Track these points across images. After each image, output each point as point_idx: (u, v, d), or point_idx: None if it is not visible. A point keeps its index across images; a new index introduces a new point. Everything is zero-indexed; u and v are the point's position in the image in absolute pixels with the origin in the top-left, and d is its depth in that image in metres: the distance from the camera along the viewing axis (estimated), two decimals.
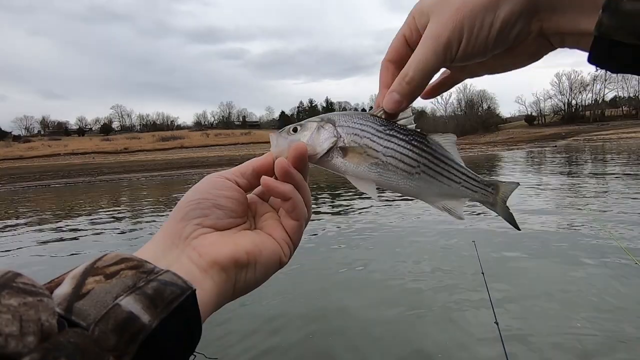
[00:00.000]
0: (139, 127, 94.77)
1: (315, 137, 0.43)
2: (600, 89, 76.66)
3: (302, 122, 0.44)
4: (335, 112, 0.44)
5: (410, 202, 9.17)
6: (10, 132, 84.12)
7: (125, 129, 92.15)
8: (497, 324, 2.10)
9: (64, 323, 0.24)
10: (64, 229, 8.47)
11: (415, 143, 0.42)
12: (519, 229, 0.46)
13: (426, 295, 3.56)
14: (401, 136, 0.42)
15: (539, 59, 0.40)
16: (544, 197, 8.14)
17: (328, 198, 9.85)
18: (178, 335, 0.28)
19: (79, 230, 8.27)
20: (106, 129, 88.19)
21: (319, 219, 7.06)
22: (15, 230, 8.71)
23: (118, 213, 10.38)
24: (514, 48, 0.38)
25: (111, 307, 0.26)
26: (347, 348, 2.81)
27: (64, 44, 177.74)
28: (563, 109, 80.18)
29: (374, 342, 2.82)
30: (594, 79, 75.78)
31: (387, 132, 0.42)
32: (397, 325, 3.05)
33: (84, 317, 0.25)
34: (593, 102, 77.30)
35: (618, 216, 5.92)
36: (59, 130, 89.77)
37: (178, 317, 0.28)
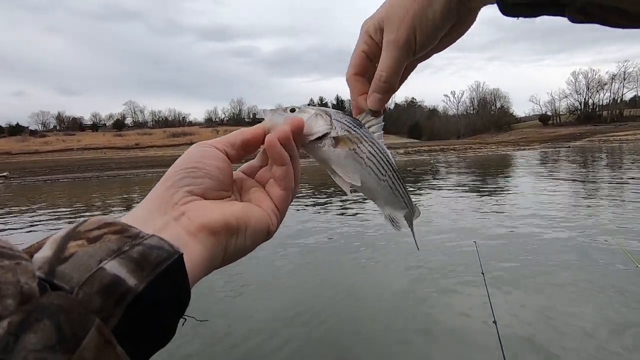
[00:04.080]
0: (151, 123, 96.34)
1: (312, 120, 0.46)
2: (618, 88, 74.85)
3: (299, 105, 0.47)
4: (328, 109, 0.48)
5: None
6: (27, 127, 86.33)
7: (138, 125, 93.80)
8: (495, 323, 2.08)
9: (46, 287, 0.24)
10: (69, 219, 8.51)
11: (389, 156, 0.48)
12: (418, 249, 0.53)
13: (424, 293, 3.51)
14: (382, 147, 0.48)
15: (475, 19, 0.47)
16: (549, 198, 7.94)
17: (316, 198, 9.71)
18: (166, 299, 0.28)
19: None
20: (119, 125, 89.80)
21: (317, 219, 6.91)
22: (19, 222, 8.77)
23: (126, 208, 10.40)
24: (455, 24, 0.45)
25: (95, 270, 0.25)
26: (338, 342, 2.77)
27: (79, 41, 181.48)
28: (579, 108, 78.53)
29: (367, 338, 2.79)
30: (613, 78, 74.03)
31: (373, 139, 0.47)
32: (393, 322, 3.00)
33: (67, 280, 0.24)
34: (611, 101, 75.48)
35: (626, 221, 5.72)
36: (73, 125, 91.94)
37: (165, 280, 0.28)
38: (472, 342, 2.67)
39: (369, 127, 0.49)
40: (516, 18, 0.39)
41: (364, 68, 0.50)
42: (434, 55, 0.51)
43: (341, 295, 3.57)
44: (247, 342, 2.77)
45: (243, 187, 0.45)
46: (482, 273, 2.54)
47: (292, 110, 0.46)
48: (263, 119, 0.45)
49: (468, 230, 5.48)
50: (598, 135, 44.62)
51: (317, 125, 0.45)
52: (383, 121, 0.49)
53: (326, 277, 4.09)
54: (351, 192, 0.47)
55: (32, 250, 0.27)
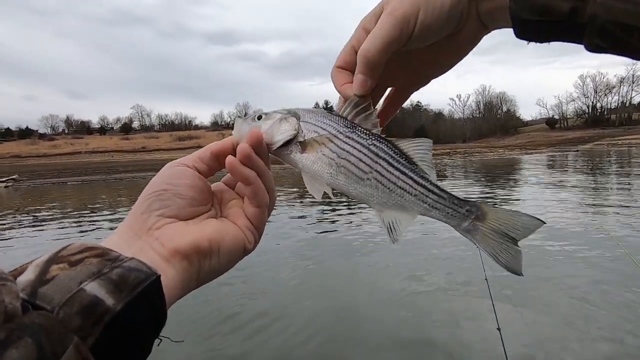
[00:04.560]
0: (158, 127, 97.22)
1: (275, 127, 0.42)
2: (627, 92, 73.95)
3: (269, 111, 0.44)
4: (302, 108, 0.44)
5: None
6: (36, 131, 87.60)
7: (145, 129, 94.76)
8: (499, 329, 2.06)
9: (29, 307, 0.24)
10: (81, 223, 8.58)
11: (373, 148, 0.41)
12: (520, 274, 0.39)
13: (428, 298, 3.48)
14: (360, 140, 0.41)
15: (477, 43, 0.44)
16: (556, 204, 7.82)
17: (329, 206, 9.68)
18: (143, 319, 0.28)
19: (93, 224, 8.35)
20: (126, 128, 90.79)
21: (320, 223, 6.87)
22: (24, 226, 8.87)
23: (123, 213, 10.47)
24: (457, 33, 0.42)
25: (76, 291, 0.26)
26: (339, 348, 2.74)
27: (88, 46, 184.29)
28: (587, 112, 77.70)
29: (371, 345, 2.74)
30: (621, 81, 73.25)
31: (348, 134, 0.41)
32: (394, 328, 2.96)
33: (48, 301, 0.25)
34: (619, 105, 74.60)
35: (636, 229, 5.61)
36: (82, 129, 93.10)
37: (142, 301, 0.28)
38: (476, 349, 2.63)
39: (356, 117, 0.43)
40: (527, 42, 0.37)
41: (349, 63, 0.45)
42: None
43: (339, 302, 3.51)
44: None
45: (223, 200, 0.44)
46: (486, 279, 2.51)
47: (259, 117, 0.43)
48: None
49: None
50: (607, 139, 44.08)
51: (281, 132, 0.42)
52: (373, 107, 0.43)
53: (324, 283, 4.05)
54: (333, 196, 0.42)
55: (15, 274, 0.27)
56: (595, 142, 41.17)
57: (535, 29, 0.35)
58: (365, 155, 0.40)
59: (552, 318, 3.00)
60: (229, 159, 0.40)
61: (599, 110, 76.50)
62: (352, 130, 0.41)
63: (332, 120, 0.42)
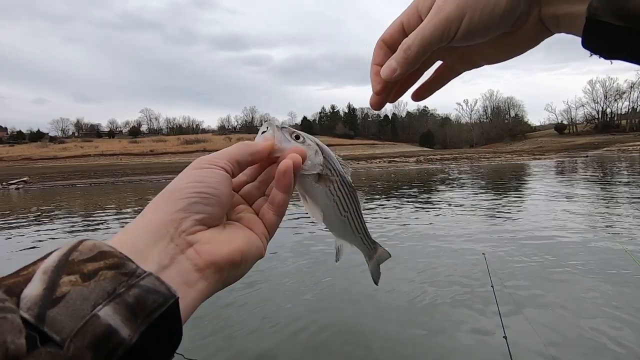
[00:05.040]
0: (165, 130, 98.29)
1: (312, 157, 0.47)
2: (638, 97, 72.98)
3: (300, 132, 0.47)
4: (320, 142, 0.49)
5: (418, 216, 8.90)
6: (47, 134, 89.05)
7: (153, 132, 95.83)
8: (505, 338, 2.04)
9: (35, 338, 0.22)
10: (90, 223, 8.70)
11: (352, 197, 0.51)
12: (376, 284, 0.56)
13: (433, 306, 3.46)
14: (349, 187, 0.50)
15: (537, 44, 0.40)
16: (562, 211, 7.73)
17: None
18: (157, 344, 0.27)
19: (104, 223, 8.45)
20: (134, 132, 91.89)
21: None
22: (36, 226, 9.01)
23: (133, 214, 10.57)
24: (513, 33, 0.38)
25: (89, 318, 0.24)
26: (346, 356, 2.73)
27: (97, 50, 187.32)
28: (596, 117, 76.80)
29: (374, 354, 2.73)
30: (632, 87, 72.31)
31: (344, 179, 0.50)
32: (398, 335, 2.96)
33: (58, 329, 0.23)
34: (630, 110, 73.62)
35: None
36: (91, 132, 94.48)
37: (159, 327, 0.27)
38: (482, 357, 2.61)
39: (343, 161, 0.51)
40: (591, 53, 0.33)
41: (394, 40, 0.43)
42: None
43: (345, 309, 3.51)
44: None
45: (232, 204, 0.43)
46: (492, 286, 2.49)
47: (297, 137, 0.46)
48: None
49: (478, 241, 5.38)
50: (617, 145, 43.48)
51: (315, 163, 0.47)
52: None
53: (326, 291, 4.04)
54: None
55: (20, 282, 0.25)
56: (606, 148, 40.64)
57: (616, 38, 0.30)
58: (349, 199, 0.50)
59: (560, 326, 2.97)
60: (288, 163, 0.41)
61: (609, 116, 75.58)
62: (345, 177, 0.50)
63: (337, 163, 0.50)
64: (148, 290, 0.27)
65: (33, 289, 0.24)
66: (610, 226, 6.03)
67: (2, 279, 0.25)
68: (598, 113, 76.78)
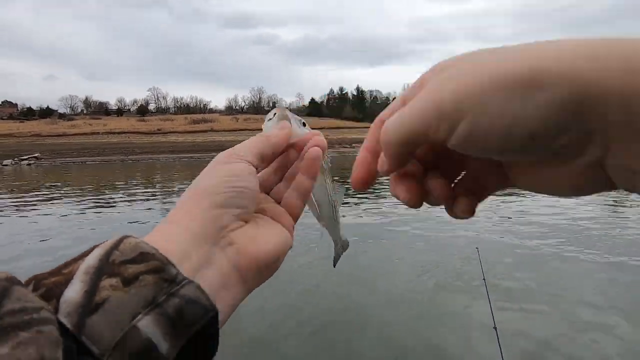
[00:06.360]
0: (173, 110, 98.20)
1: None
2: None
3: (302, 118, 0.48)
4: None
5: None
6: (56, 110, 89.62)
7: (161, 111, 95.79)
8: (495, 329, 2.06)
9: (72, 349, 0.21)
10: (99, 201, 8.93)
11: (332, 185, 0.53)
12: (334, 266, 0.57)
13: (425, 297, 3.51)
14: (331, 180, 0.52)
15: (587, 194, 0.25)
16: (557, 203, 7.69)
17: None
18: (192, 358, 0.26)
19: (113, 202, 8.69)
20: (142, 110, 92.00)
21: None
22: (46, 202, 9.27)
23: (152, 195, 10.78)
24: (555, 164, 0.24)
25: (128, 330, 0.23)
26: (339, 346, 2.80)
27: (106, 28, 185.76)
28: None
29: (368, 343, 2.80)
30: None
31: (329, 175, 0.52)
32: (390, 328, 3.01)
33: (96, 339, 0.22)
34: None
35: None
36: (100, 110, 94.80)
37: (197, 342, 0.26)
38: (472, 347, 2.68)
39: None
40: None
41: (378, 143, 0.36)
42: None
43: (337, 303, 3.52)
44: None
45: None
46: (484, 279, 2.51)
47: (304, 124, 0.47)
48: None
49: (470, 236, 5.34)
50: None
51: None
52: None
53: (320, 278, 4.15)
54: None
55: (60, 281, 0.24)
56: None
57: None
58: (334, 185, 0.53)
59: (551, 318, 3.03)
60: (317, 150, 0.41)
61: None
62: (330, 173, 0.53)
63: (326, 157, 0.51)
64: (188, 301, 0.26)
65: (73, 292, 0.23)
66: (608, 215, 6.03)
67: (45, 275, 0.24)
68: None
